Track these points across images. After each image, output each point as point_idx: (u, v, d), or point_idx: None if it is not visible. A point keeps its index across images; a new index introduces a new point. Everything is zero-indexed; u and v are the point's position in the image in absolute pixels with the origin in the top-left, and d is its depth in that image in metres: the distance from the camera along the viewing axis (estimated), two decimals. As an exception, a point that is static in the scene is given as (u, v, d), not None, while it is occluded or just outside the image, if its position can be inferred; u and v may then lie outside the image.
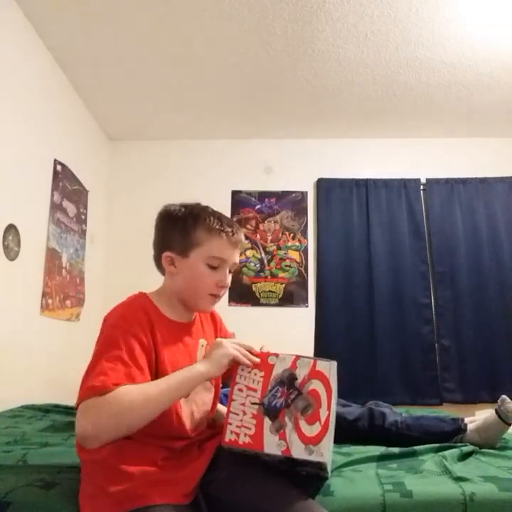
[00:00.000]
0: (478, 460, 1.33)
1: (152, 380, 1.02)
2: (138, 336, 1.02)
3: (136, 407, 0.94)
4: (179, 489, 0.98)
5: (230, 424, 1.01)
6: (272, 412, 1.00)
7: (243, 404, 1.03)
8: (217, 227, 1.14)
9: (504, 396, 1.52)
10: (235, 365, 1.07)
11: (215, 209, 1.22)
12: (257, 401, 1.02)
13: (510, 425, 1.50)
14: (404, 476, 1.15)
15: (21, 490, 1.05)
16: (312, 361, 1.04)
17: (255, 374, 1.05)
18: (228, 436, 1.00)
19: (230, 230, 1.15)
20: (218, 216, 1.16)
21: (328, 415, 0.97)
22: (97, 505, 0.94)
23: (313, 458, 0.94)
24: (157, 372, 1.05)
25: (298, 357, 1.05)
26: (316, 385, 1.01)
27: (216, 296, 1.18)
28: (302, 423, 0.97)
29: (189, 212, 1.16)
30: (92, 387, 0.93)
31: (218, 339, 1.11)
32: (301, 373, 1.02)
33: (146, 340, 1.03)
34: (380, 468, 1.23)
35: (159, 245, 1.19)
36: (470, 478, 1.12)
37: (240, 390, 1.04)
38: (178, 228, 1.15)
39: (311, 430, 0.96)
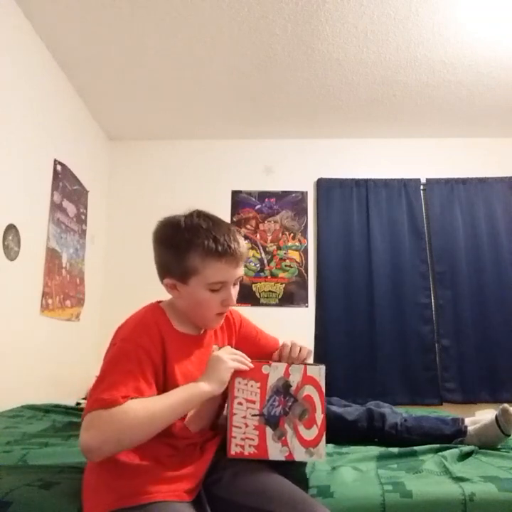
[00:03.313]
0: (478, 460, 1.33)
1: (159, 394, 1.02)
2: (148, 350, 1.02)
3: (140, 424, 0.94)
4: (181, 486, 0.98)
5: (235, 437, 1.06)
6: (272, 421, 1.06)
7: (244, 417, 1.07)
8: (212, 251, 1.05)
9: (506, 405, 1.50)
10: (234, 375, 1.08)
11: (212, 212, 1.14)
12: (257, 412, 1.06)
13: (509, 436, 1.49)
14: (404, 476, 1.15)
15: (21, 490, 1.05)
16: (303, 367, 1.10)
17: (251, 386, 1.08)
18: (234, 450, 1.05)
19: (226, 250, 1.06)
20: (213, 236, 1.06)
21: (324, 418, 1.05)
22: (100, 500, 0.95)
23: (314, 459, 1.05)
24: (167, 385, 1.04)
25: (289, 364, 1.10)
26: (309, 390, 1.07)
27: (223, 314, 1.16)
28: (301, 428, 1.05)
29: (181, 236, 1.07)
30: (101, 399, 0.93)
31: (215, 354, 1.09)
32: (295, 380, 1.08)
33: (156, 355, 1.03)
34: (380, 469, 1.23)
35: (159, 270, 1.14)
36: (470, 478, 1.12)
37: (240, 403, 1.07)
38: (173, 256, 1.08)
39: (309, 434, 1.05)
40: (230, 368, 1.05)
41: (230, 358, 1.07)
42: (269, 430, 1.05)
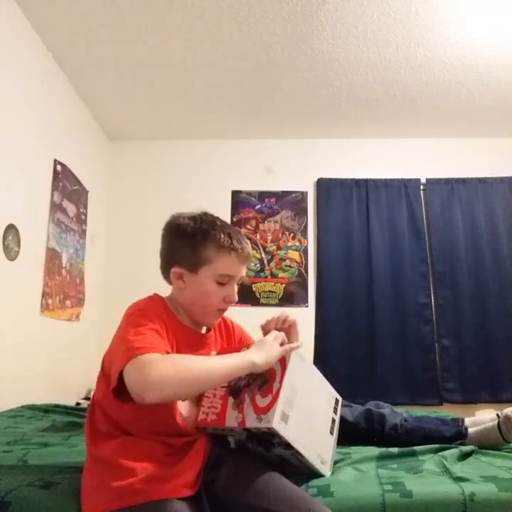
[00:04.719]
0: (478, 460, 1.33)
1: None
2: (162, 323, 1.06)
3: (198, 371, 0.95)
4: (180, 481, 0.98)
5: (203, 406, 1.13)
6: (235, 391, 1.10)
7: (215, 389, 1.13)
8: (227, 244, 1.13)
9: (509, 413, 1.49)
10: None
11: (212, 212, 1.21)
12: (225, 385, 1.12)
13: (509, 443, 1.48)
14: (404, 476, 1.15)
15: (21, 490, 1.05)
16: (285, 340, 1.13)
17: None
18: (200, 417, 1.11)
19: (239, 246, 1.14)
20: (228, 232, 1.15)
21: (279, 387, 1.04)
22: (98, 500, 0.95)
23: (262, 425, 1.01)
24: None
25: None
26: (275, 365, 1.08)
27: (223, 311, 1.20)
28: (258, 397, 1.06)
29: (198, 227, 1.14)
30: (149, 347, 0.94)
31: (266, 337, 1.10)
32: None
33: (166, 332, 1.07)
34: (380, 468, 1.23)
35: (167, 259, 1.18)
36: (470, 478, 1.12)
37: None
38: (188, 244, 1.14)
39: (263, 402, 1.04)
40: (280, 354, 1.07)
41: (279, 342, 1.09)
42: (230, 399, 1.09)
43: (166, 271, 1.18)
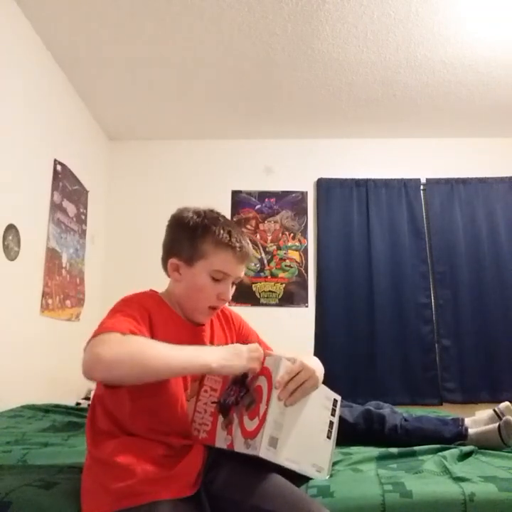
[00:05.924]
0: (478, 460, 1.33)
1: None
2: (143, 312, 1.08)
3: (155, 357, 0.94)
4: (179, 483, 0.98)
5: (194, 421, 1.11)
6: (224, 409, 1.05)
7: (205, 404, 1.10)
8: (225, 241, 1.13)
9: (509, 418, 1.48)
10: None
11: (223, 213, 1.22)
12: (215, 400, 1.08)
13: (509, 447, 1.48)
14: (404, 476, 1.15)
15: (21, 490, 1.04)
16: (262, 358, 1.07)
17: (218, 375, 1.10)
18: (193, 432, 1.09)
19: (237, 244, 1.14)
20: (228, 229, 1.15)
21: (266, 409, 0.99)
22: (98, 502, 0.95)
23: (249, 451, 0.98)
24: None
25: None
26: (261, 381, 1.04)
27: (215, 309, 1.19)
28: (245, 419, 1.02)
29: (200, 221, 1.15)
30: (112, 326, 0.96)
31: (243, 346, 1.06)
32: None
33: (145, 324, 1.07)
34: (380, 469, 1.22)
35: (167, 250, 1.20)
36: (470, 478, 1.11)
37: (205, 390, 1.12)
38: (187, 237, 1.15)
39: (251, 425, 1.00)
40: (243, 368, 1.02)
41: (251, 356, 1.03)
42: (220, 418, 1.06)
43: (164, 262, 1.20)
